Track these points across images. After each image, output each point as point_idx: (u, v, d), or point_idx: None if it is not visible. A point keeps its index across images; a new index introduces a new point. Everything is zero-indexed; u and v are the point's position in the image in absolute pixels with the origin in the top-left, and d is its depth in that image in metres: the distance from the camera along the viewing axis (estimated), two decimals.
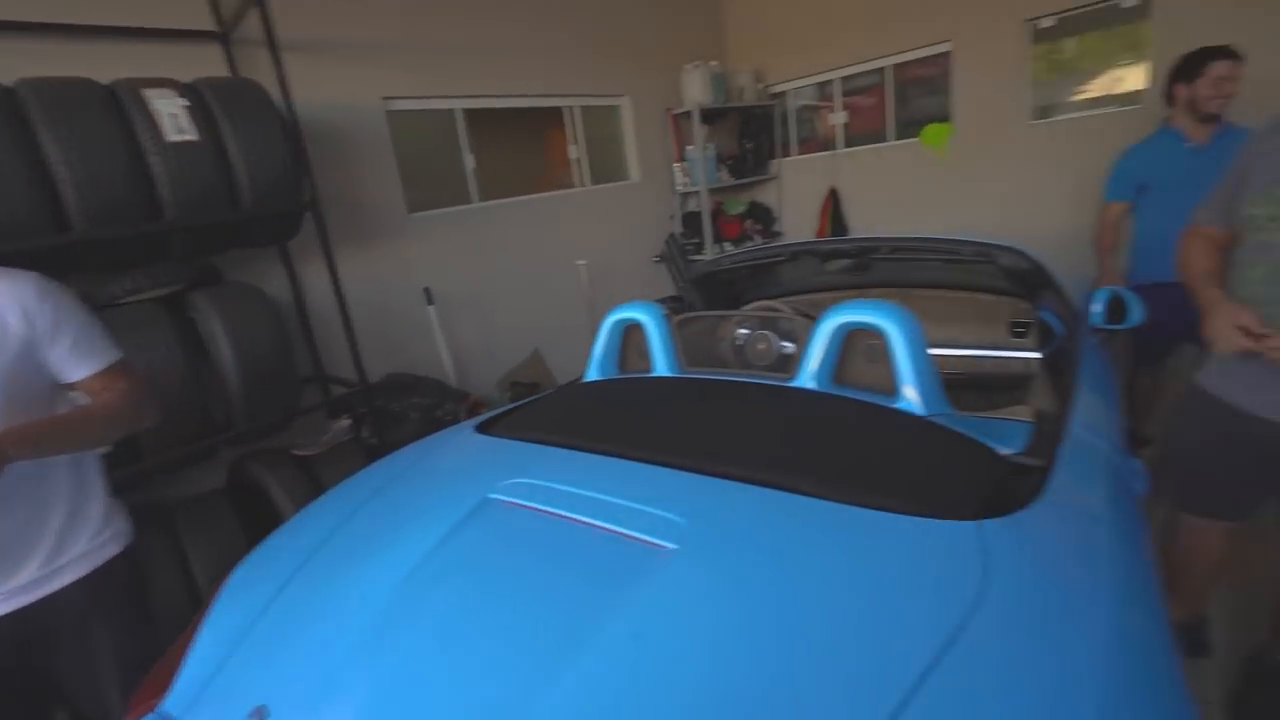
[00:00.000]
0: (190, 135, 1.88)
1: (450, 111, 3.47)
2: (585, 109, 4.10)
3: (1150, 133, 2.52)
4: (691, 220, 4.54)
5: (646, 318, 1.63)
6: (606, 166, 4.33)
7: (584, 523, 0.99)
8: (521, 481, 1.14)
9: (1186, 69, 2.31)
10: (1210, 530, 1.50)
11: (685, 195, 4.59)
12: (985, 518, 0.90)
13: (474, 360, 3.63)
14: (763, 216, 4.99)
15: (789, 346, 2.44)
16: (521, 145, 4.06)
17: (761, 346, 2.49)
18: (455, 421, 3.12)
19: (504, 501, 1.10)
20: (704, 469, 1.07)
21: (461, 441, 1.51)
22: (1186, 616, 1.66)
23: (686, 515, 0.95)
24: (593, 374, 1.73)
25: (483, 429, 1.52)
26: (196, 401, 2.17)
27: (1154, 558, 1.13)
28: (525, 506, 1.07)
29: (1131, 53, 3.40)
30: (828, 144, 4.68)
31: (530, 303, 3.81)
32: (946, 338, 2.32)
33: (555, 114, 4.00)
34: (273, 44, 2.17)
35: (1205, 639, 1.68)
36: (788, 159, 4.95)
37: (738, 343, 2.59)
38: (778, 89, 4.85)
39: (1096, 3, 3.38)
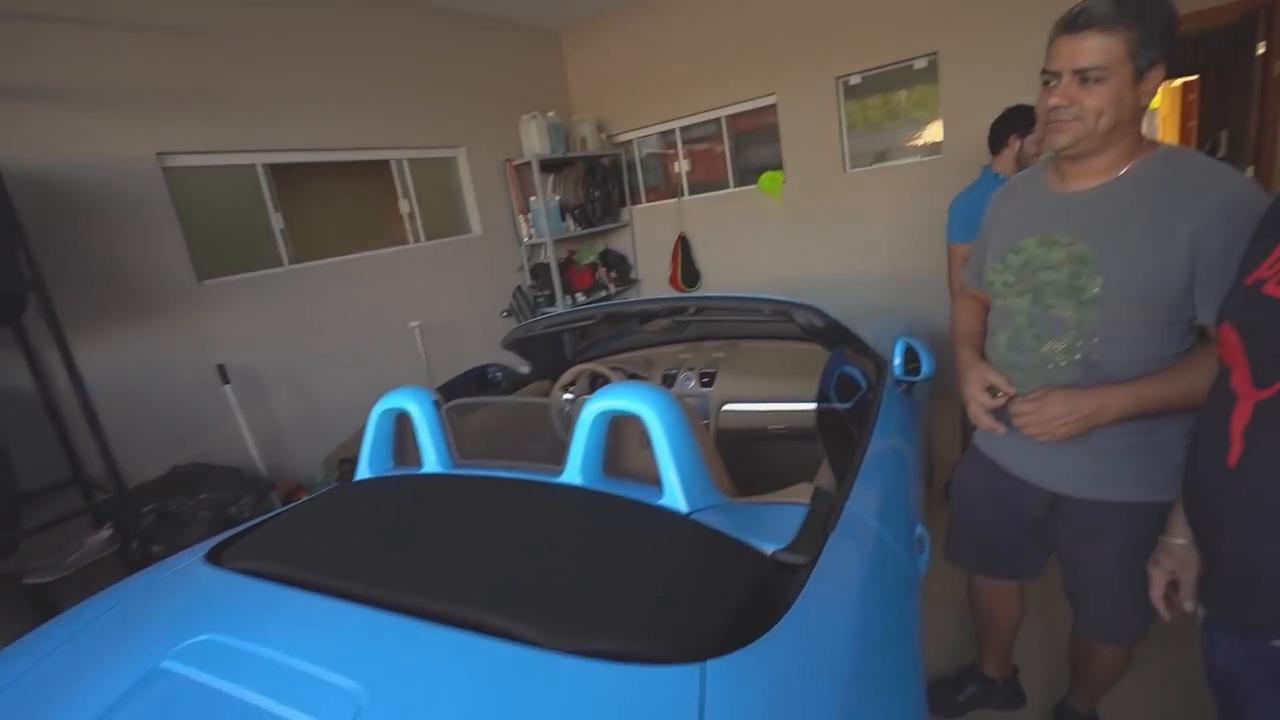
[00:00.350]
0: None
1: (251, 167, 3.14)
2: (416, 161, 3.89)
3: (970, 179, 2.58)
4: (541, 272, 4.41)
5: (414, 406, 1.43)
6: (444, 220, 4.12)
7: (253, 704, 0.81)
8: (202, 641, 0.95)
9: (1022, 122, 2.40)
10: (1001, 588, 1.49)
11: (534, 246, 4.46)
12: (721, 649, 0.78)
13: (295, 440, 3.23)
14: (618, 264, 4.96)
15: None
16: (344, 201, 3.77)
17: None
18: (255, 515, 2.73)
19: (173, 673, 0.90)
20: (422, 608, 0.91)
21: (170, 579, 1.25)
22: (999, 671, 1.64)
23: (373, 682, 0.80)
24: (361, 471, 1.52)
25: (213, 554, 1.28)
26: None
27: (918, 646, 1.07)
28: (193, 681, 0.88)
29: (929, 109, 3.69)
30: (676, 191, 4.75)
31: (360, 372, 3.47)
32: (769, 391, 2.29)
33: (382, 167, 3.76)
34: None
35: (1019, 690, 1.67)
36: (638, 206, 4.97)
37: (564, 410, 2.44)
38: (623, 138, 4.89)
39: (893, 64, 3.66)
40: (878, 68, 3.73)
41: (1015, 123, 2.43)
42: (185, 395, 2.81)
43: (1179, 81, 7.28)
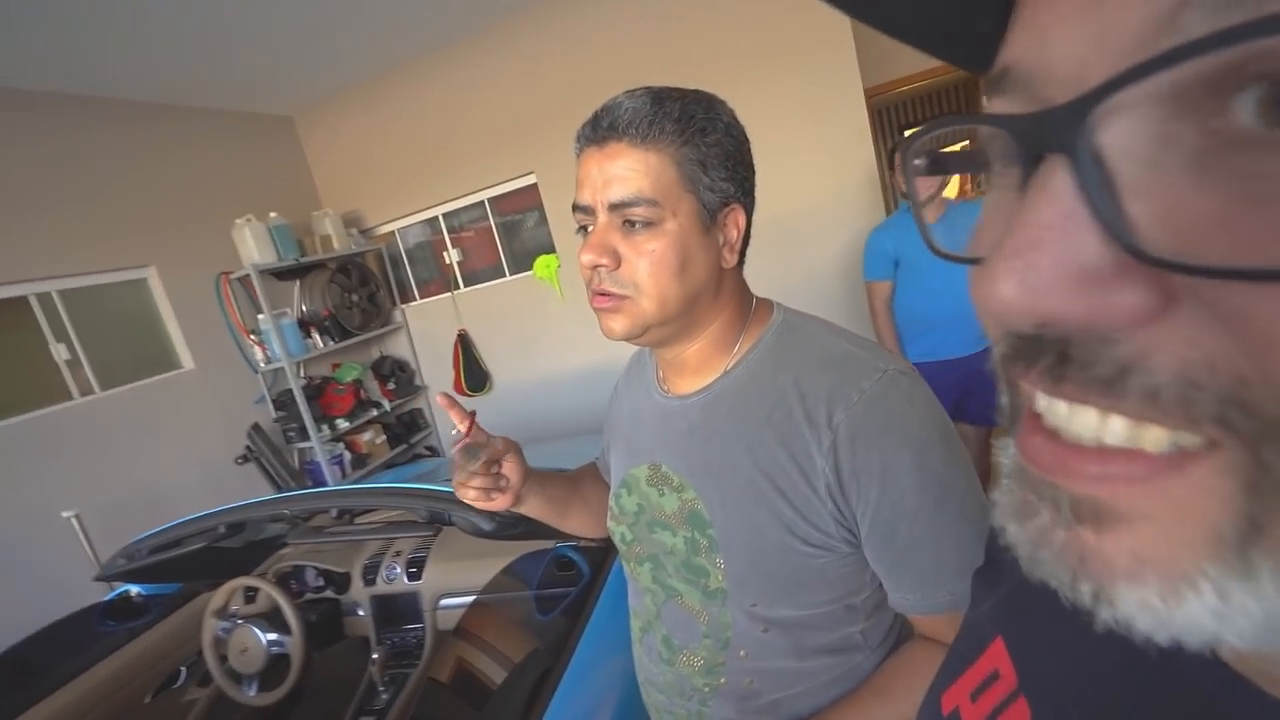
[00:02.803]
0: None
1: None
2: (74, 292, 3.00)
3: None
4: (288, 401, 3.61)
5: None
6: (134, 359, 3.23)
7: None
8: None
9: (891, 160, 2.36)
10: None
11: (279, 372, 3.66)
12: None
13: None
14: (395, 373, 4.26)
15: (282, 641, 1.66)
16: None
17: (245, 649, 1.67)
18: None
19: None
20: None
21: None
22: None
23: None
24: None
25: None
26: None
27: None
28: None
29: None
30: (449, 284, 4.18)
31: None
32: (490, 577, 1.73)
33: (18, 305, 2.84)
34: None
35: None
36: (411, 304, 4.33)
37: (220, 650, 1.74)
38: (383, 229, 4.27)
39: None
40: None
41: (890, 160, 2.36)
42: None
43: (909, 132, 8.01)
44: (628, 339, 0.61)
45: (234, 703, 1.70)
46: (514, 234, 3.99)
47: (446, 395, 0.73)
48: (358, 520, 1.73)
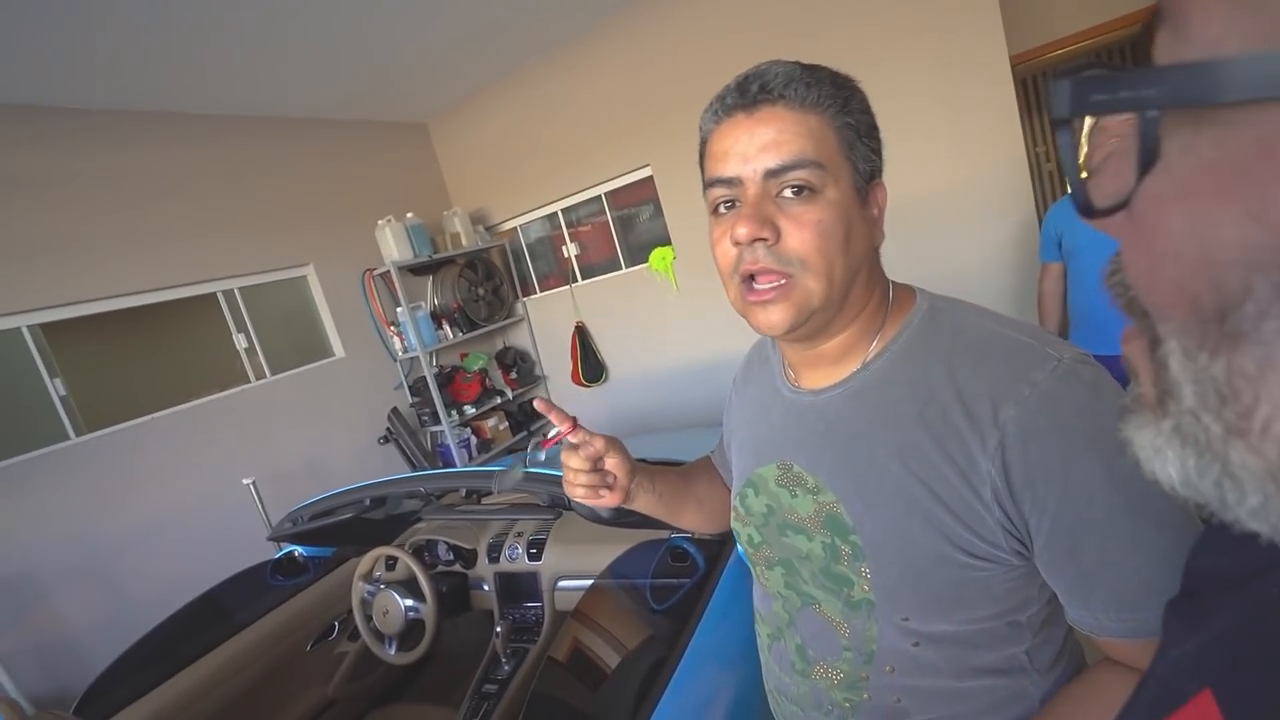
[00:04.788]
0: None
1: (15, 331, 2.64)
2: (251, 288, 3.42)
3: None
4: (422, 387, 3.91)
5: None
6: (296, 347, 3.63)
7: None
8: None
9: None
10: None
11: (414, 360, 3.97)
12: None
13: (96, 649, 2.63)
14: (517, 363, 4.48)
15: (417, 608, 1.80)
16: (155, 348, 3.26)
17: (386, 612, 1.84)
18: None
19: None
20: None
21: None
22: None
23: None
24: None
25: None
26: None
27: None
28: None
29: None
30: (568, 277, 4.32)
31: (183, 548, 2.90)
32: (608, 563, 1.77)
33: (207, 301, 3.28)
34: None
35: None
36: (532, 297, 4.53)
37: (366, 610, 1.93)
38: (506, 226, 4.49)
39: None
40: None
41: None
42: None
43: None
44: (791, 329, 0.55)
45: (377, 658, 1.88)
46: (629, 227, 4.05)
47: (544, 399, 0.73)
48: (484, 501, 1.84)
